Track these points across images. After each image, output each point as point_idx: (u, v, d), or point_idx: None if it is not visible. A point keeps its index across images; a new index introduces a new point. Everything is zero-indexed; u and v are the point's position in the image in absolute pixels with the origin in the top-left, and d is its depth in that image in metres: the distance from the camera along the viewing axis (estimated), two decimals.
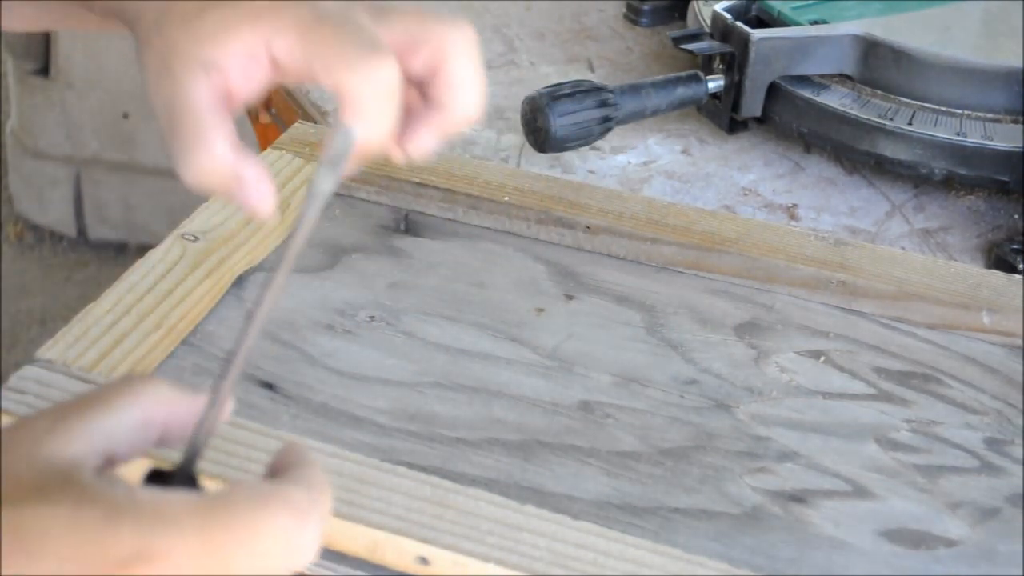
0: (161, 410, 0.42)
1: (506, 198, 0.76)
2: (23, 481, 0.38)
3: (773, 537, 0.57)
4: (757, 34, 0.87)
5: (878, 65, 0.86)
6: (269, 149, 0.79)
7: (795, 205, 0.86)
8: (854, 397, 0.66)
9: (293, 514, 0.39)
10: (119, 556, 0.37)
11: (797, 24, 0.90)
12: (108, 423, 0.40)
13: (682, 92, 0.89)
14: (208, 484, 0.43)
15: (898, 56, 0.85)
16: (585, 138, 0.85)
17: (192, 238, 0.70)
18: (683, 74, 0.89)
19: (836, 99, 0.87)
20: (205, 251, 0.69)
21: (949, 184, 0.87)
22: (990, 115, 0.84)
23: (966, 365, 0.68)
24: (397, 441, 0.61)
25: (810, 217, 0.85)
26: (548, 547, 0.52)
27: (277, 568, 0.39)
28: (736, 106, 0.89)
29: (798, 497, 0.59)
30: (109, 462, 0.41)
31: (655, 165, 0.89)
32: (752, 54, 0.87)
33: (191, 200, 0.79)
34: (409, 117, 0.51)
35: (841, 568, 0.56)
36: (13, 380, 0.59)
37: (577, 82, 0.85)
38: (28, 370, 0.59)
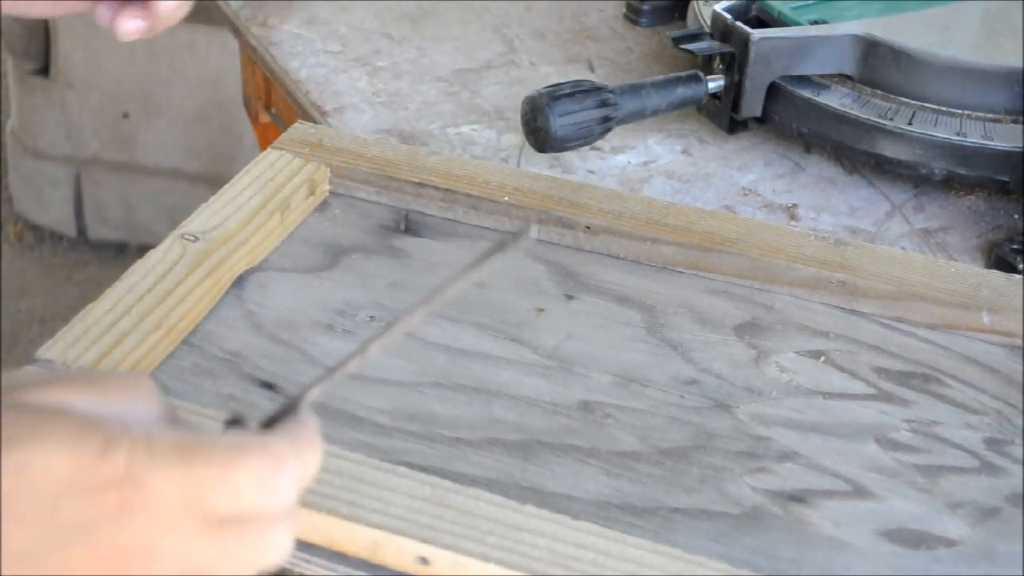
0: (141, 410, 0.43)
1: (506, 198, 0.76)
2: (21, 427, 0.40)
3: (773, 537, 0.57)
4: (757, 34, 0.87)
5: (878, 65, 0.86)
6: (269, 149, 0.79)
7: (795, 205, 0.86)
8: (854, 397, 0.66)
9: (269, 459, 0.41)
10: (112, 477, 0.40)
11: (797, 24, 0.89)
12: (95, 406, 0.42)
13: (682, 92, 0.89)
14: None
15: (898, 56, 0.85)
16: (585, 138, 0.85)
17: (192, 238, 0.70)
18: (683, 74, 0.89)
19: (836, 99, 0.87)
20: (205, 251, 0.69)
21: (949, 184, 0.87)
22: (990, 115, 0.84)
23: (966, 365, 0.68)
24: (397, 441, 0.61)
25: (810, 217, 0.85)
26: (548, 547, 0.52)
27: (252, 505, 0.41)
28: (736, 106, 0.89)
29: (798, 497, 0.59)
30: None
31: (655, 165, 0.89)
32: (752, 54, 0.87)
33: (191, 200, 0.80)
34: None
35: (841, 568, 0.56)
36: None
37: (577, 82, 0.85)
38: (28, 370, 0.59)
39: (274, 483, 0.41)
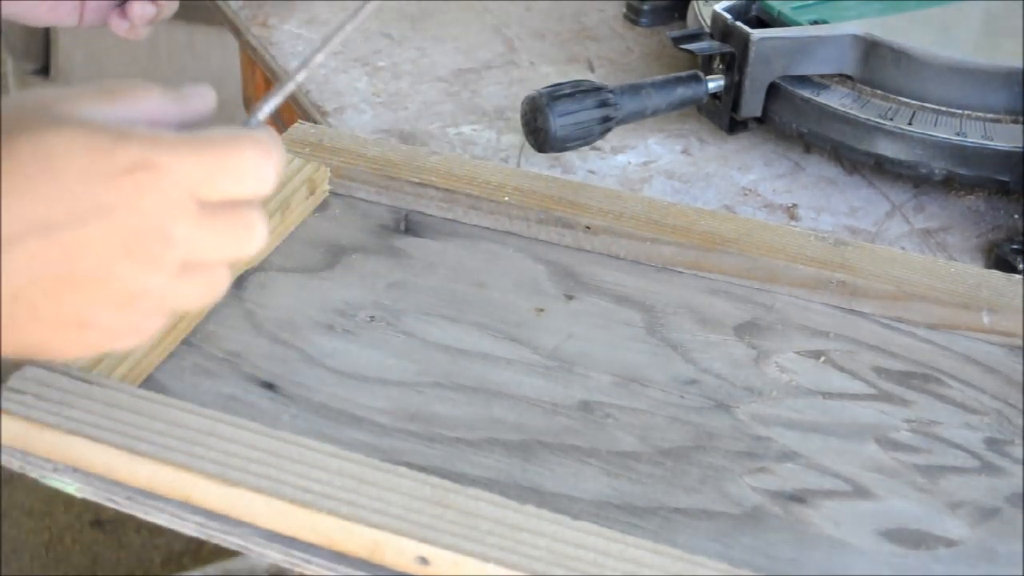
0: (150, 113, 0.49)
1: (506, 198, 0.76)
2: (42, 121, 0.45)
3: (773, 537, 0.57)
4: (757, 34, 0.87)
5: (878, 65, 0.86)
6: None
7: (795, 205, 0.86)
8: (854, 397, 0.66)
9: (261, 148, 0.48)
10: (127, 163, 0.45)
11: (797, 24, 0.89)
12: (106, 112, 0.47)
13: (682, 92, 0.89)
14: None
15: (898, 56, 0.85)
16: (585, 138, 0.85)
17: None
18: (683, 74, 0.89)
19: (836, 99, 0.87)
20: None
21: (949, 184, 0.87)
22: (990, 115, 0.84)
23: (966, 365, 0.68)
24: (397, 441, 0.61)
25: (810, 217, 0.85)
26: (548, 547, 0.52)
27: (246, 189, 0.48)
28: (736, 106, 0.89)
29: (798, 497, 0.59)
30: None
31: (655, 165, 0.89)
32: (752, 54, 0.87)
33: None
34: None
35: (841, 568, 0.56)
36: (13, 380, 0.59)
37: (577, 82, 0.85)
38: (28, 370, 0.59)
39: (266, 169, 0.48)
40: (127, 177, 0.45)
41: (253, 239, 0.49)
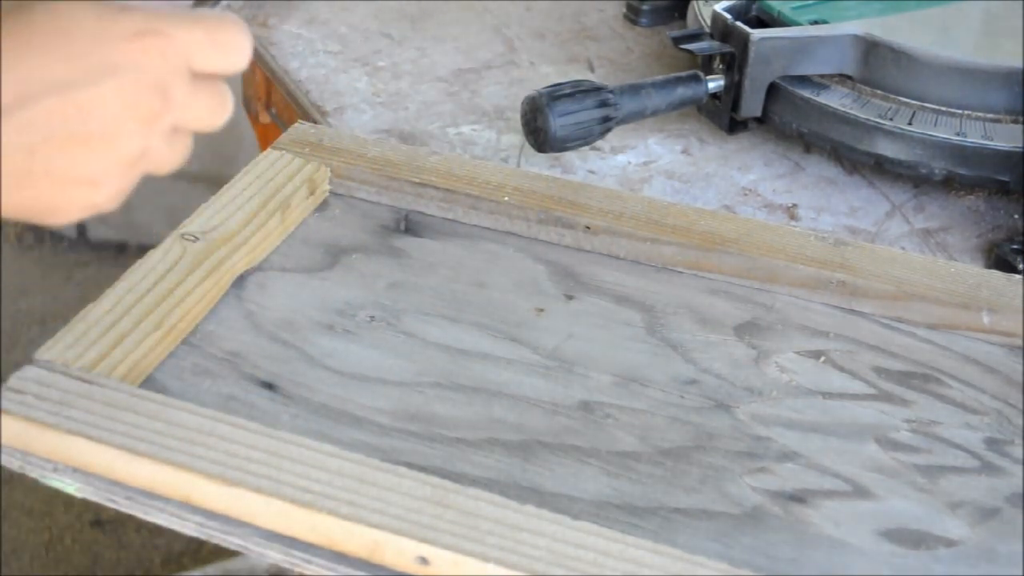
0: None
1: (506, 198, 0.76)
2: None
3: (773, 537, 0.57)
4: (757, 34, 0.87)
5: (878, 65, 0.86)
6: (269, 149, 0.79)
7: (795, 205, 0.86)
8: (854, 397, 0.66)
9: (239, 28, 0.53)
10: (134, 29, 0.50)
11: (797, 24, 0.89)
12: None
13: (682, 92, 0.89)
14: None
15: (898, 56, 0.85)
16: (585, 138, 0.85)
17: (192, 238, 0.70)
18: (683, 74, 0.89)
19: (836, 99, 0.87)
20: (205, 251, 0.69)
21: (949, 184, 0.87)
22: (990, 115, 0.84)
23: (966, 365, 0.68)
24: (397, 441, 0.61)
25: (810, 217, 0.85)
26: (548, 547, 0.52)
27: (227, 63, 0.53)
28: (736, 106, 0.89)
29: (798, 497, 0.59)
30: None
31: (655, 165, 0.89)
32: (752, 54, 0.87)
33: (191, 200, 0.80)
34: None
35: (841, 568, 0.56)
36: (13, 380, 0.59)
37: (577, 82, 0.85)
38: (28, 370, 0.59)
39: (246, 46, 0.53)
40: (135, 40, 0.50)
41: (225, 111, 0.54)
